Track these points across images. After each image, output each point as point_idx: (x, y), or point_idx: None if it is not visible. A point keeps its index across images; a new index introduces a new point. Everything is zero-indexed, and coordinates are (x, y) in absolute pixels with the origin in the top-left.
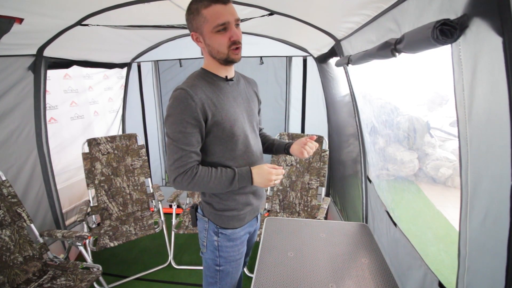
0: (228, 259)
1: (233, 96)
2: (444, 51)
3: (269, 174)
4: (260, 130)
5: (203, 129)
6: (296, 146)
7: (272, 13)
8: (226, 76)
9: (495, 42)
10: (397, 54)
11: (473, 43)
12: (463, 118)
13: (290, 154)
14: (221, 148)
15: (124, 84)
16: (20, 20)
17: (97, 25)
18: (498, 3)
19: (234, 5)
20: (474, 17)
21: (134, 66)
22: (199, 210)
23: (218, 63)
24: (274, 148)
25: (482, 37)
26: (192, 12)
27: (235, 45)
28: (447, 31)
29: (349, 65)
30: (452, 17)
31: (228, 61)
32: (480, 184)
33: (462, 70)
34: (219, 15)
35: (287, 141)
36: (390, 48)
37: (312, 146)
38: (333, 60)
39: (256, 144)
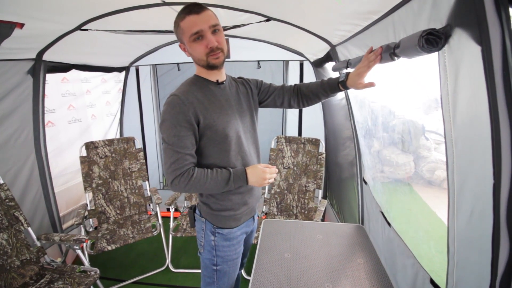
0: (225, 258)
1: (225, 98)
2: (435, 57)
3: (263, 173)
4: (292, 86)
5: (196, 132)
6: (356, 69)
7: (269, 19)
8: (217, 80)
9: (475, 50)
10: (395, 58)
11: (456, 51)
12: (448, 121)
13: (347, 88)
14: (216, 150)
15: (122, 88)
16: (21, 25)
17: (97, 30)
18: (476, 15)
19: (232, 11)
20: (456, 27)
21: (132, 70)
22: (196, 211)
23: (205, 69)
24: (323, 87)
25: (463, 46)
26: (175, 26)
27: (213, 51)
28: (432, 40)
29: (348, 69)
30: (438, 26)
31: (210, 67)
32: (465, 183)
33: (447, 76)
34: (193, 25)
35: (339, 76)
36: (389, 52)
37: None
38: (328, 65)
39: (250, 144)
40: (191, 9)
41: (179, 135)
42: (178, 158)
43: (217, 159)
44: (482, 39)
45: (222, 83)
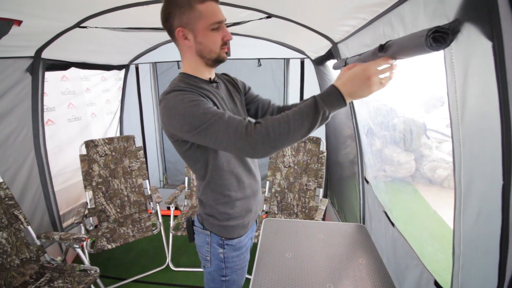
0: (234, 268)
1: (220, 97)
2: (438, 54)
3: (367, 72)
4: (270, 103)
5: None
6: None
7: (269, 16)
8: (210, 78)
9: (485, 46)
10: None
11: (465, 47)
12: (456, 119)
13: None
14: (213, 153)
15: (122, 86)
16: (19, 22)
17: (96, 27)
18: (488, 9)
19: (232, 8)
20: (465, 22)
21: (132, 68)
22: (196, 223)
23: (204, 64)
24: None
25: (473, 42)
26: (181, 5)
27: (226, 44)
28: (439, 37)
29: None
30: (444, 21)
31: (218, 61)
32: (473, 184)
33: (454, 73)
34: (216, 13)
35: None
36: (378, 55)
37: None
38: (330, 63)
39: None
40: None
41: (199, 101)
42: (225, 115)
43: (214, 162)
44: (493, 34)
45: (215, 81)
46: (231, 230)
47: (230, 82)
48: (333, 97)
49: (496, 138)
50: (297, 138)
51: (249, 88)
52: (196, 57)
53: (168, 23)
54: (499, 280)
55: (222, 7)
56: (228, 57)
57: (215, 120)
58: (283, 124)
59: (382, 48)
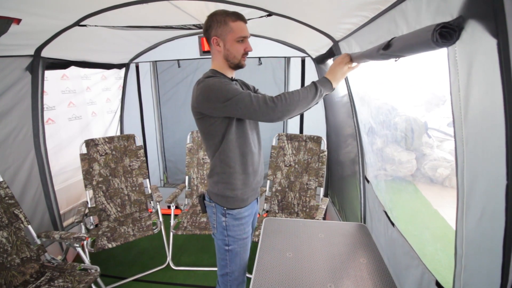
0: (236, 237)
1: None
2: (440, 51)
3: (343, 65)
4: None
5: None
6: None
7: (270, 14)
8: (231, 77)
9: (490, 44)
10: (395, 59)
11: (469, 44)
12: (459, 118)
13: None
14: (235, 138)
15: (122, 85)
16: (18, 21)
17: (95, 25)
18: (493, 6)
19: (233, 6)
20: (469, 19)
21: (132, 66)
22: (206, 198)
23: (227, 65)
24: None
25: (477, 39)
26: (219, 21)
27: (246, 54)
28: (446, 33)
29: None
30: (448, 18)
31: (238, 66)
32: (476, 184)
33: (457, 71)
34: (242, 30)
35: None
36: (379, 52)
37: None
38: (331, 61)
39: (254, 135)
40: (242, 17)
41: (232, 82)
42: (248, 93)
43: (227, 137)
44: (498, 31)
45: (236, 80)
46: (231, 201)
47: (244, 84)
48: (324, 81)
49: (500, 137)
50: (304, 105)
51: (257, 90)
52: (223, 59)
53: (207, 32)
54: (502, 281)
55: (222, 5)
56: None
57: (244, 94)
58: (295, 95)
59: (388, 46)
